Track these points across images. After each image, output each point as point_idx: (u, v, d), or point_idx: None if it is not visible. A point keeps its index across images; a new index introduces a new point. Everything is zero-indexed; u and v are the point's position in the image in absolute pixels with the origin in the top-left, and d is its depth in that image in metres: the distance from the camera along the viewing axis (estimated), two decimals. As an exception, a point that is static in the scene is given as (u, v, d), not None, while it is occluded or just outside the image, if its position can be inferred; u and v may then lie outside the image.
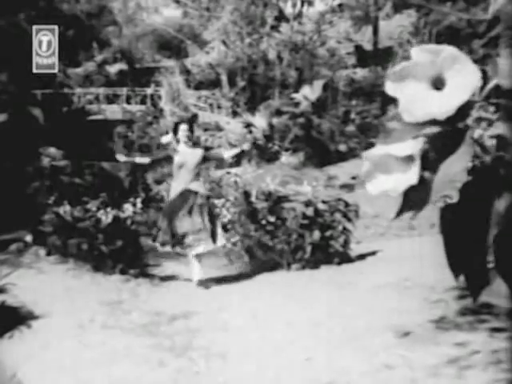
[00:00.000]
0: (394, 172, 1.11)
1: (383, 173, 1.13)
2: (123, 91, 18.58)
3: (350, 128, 20.34)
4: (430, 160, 1.06)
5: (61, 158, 11.33)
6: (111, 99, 18.00)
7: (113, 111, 17.47)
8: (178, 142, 7.26)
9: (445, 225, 1.12)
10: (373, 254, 10.31)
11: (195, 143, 7.77)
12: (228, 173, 14.99)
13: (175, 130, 7.32)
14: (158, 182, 14.58)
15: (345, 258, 10.09)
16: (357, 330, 6.71)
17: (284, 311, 7.57)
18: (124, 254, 9.78)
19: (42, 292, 8.40)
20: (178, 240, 8.14)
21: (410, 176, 1.08)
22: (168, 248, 8.69)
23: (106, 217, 9.79)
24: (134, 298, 8.57)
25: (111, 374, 5.74)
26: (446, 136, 1.05)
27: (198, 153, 7.45)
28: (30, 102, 11.42)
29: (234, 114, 20.85)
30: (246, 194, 11.34)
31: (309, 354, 6.20)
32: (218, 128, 19.38)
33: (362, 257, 10.23)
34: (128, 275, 9.51)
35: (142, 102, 18.92)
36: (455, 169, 1.02)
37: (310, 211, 10.47)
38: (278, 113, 20.61)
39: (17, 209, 9.69)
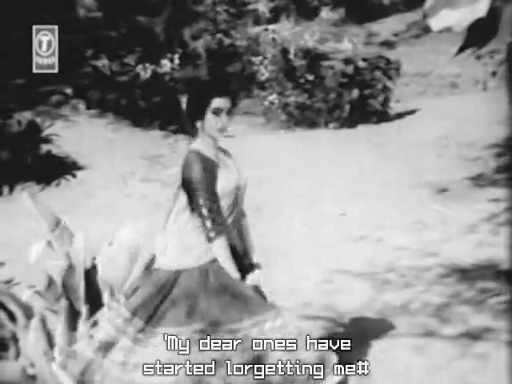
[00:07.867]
0: (460, 5, 1.06)
1: (448, 7, 1.08)
2: None
3: (395, -19, 19.29)
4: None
5: (95, 10, 11.11)
6: None
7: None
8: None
9: None
10: (412, 112, 10.16)
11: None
12: (266, 29, 14.56)
13: (200, 106, 2.58)
14: (195, 37, 14.26)
15: (383, 117, 9.99)
16: (393, 186, 6.79)
17: (321, 168, 7.65)
18: (162, 109, 9.82)
19: (83, 144, 8.60)
20: None
21: (479, 7, 1.03)
22: None
23: (145, 72, 9.74)
24: (173, 153, 8.72)
25: (154, 222, 5.98)
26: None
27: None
28: None
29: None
30: (284, 51, 11.09)
31: (344, 209, 6.35)
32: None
33: (400, 115, 10.10)
34: (166, 131, 9.62)
35: None
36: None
37: (349, 69, 10.26)
38: (318, -36, 19.60)
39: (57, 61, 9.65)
